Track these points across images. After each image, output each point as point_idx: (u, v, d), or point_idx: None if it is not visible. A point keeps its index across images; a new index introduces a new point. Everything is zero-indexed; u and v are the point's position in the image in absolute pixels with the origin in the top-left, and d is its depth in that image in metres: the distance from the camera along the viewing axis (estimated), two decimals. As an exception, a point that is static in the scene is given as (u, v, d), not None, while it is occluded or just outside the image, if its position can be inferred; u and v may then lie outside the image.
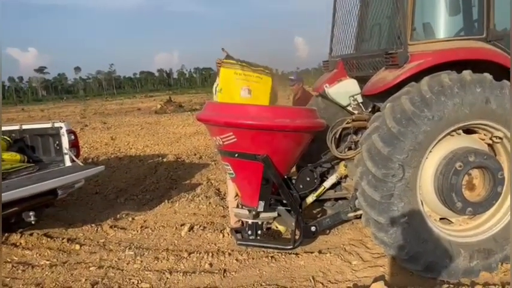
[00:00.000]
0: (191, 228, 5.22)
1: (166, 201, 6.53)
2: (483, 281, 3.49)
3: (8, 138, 5.25)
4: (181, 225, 5.39)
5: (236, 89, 4.11)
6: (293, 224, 3.97)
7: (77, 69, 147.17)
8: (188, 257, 4.42)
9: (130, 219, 5.82)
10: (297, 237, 3.97)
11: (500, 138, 3.53)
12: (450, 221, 3.75)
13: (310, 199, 4.19)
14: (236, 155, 3.77)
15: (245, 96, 4.11)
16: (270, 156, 3.68)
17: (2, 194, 4.13)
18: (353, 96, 4.48)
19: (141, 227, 5.49)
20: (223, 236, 4.92)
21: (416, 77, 3.49)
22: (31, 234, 5.32)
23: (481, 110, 3.36)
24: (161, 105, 29.22)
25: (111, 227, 5.50)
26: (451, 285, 3.40)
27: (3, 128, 5.63)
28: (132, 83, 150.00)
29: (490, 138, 3.60)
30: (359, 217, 4.04)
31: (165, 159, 10.06)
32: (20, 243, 5.14)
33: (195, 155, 10.41)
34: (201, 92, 68.45)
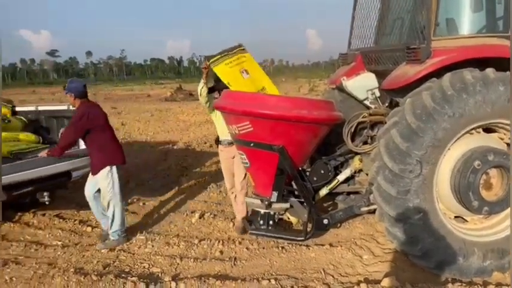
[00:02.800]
0: (202, 216, 5.25)
1: (176, 187, 6.58)
2: (495, 281, 3.47)
3: (24, 119, 5.29)
4: (192, 212, 5.43)
5: (237, 75, 4.21)
6: (305, 216, 3.96)
7: (89, 53, 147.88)
8: (199, 244, 4.45)
9: (141, 204, 5.86)
10: (308, 229, 3.97)
11: (520, 138, 3.49)
12: (465, 220, 3.72)
13: (323, 192, 4.19)
14: (252, 145, 3.77)
15: (247, 77, 4.23)
16: (286, 147, 3.67)
17: (18, 173, 4.19)
18: (371, 90, 4.45)
19: (152, 212, 5.54)
20: (234, 224, 4.93)
21: (437, 73, 3.45)
22: (43, 215, 5.40)
23: (503, 109, 3.31)
24: (171, 92, 29.30)
25: (122, 210, 5.54)
26: (463, 284, 3.39)
27: (20, 109, 5.68)
28: (143, 70, 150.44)
29: (510, 138, 3.56)
30: (372, 212, 4.04)
31: (175, 147, 10.11)
32: (33, 223, 5.21)
33: (205, 143, 10.43)
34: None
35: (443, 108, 3.24)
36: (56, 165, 4.47)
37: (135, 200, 6.00)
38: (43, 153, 4.49)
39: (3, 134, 5.05)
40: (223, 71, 4.18)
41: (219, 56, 4.20)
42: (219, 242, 4.47)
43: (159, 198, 6.07)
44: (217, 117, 4.51)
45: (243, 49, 4.44)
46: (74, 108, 5.26)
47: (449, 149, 3.40)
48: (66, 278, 3.70)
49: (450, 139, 3.32)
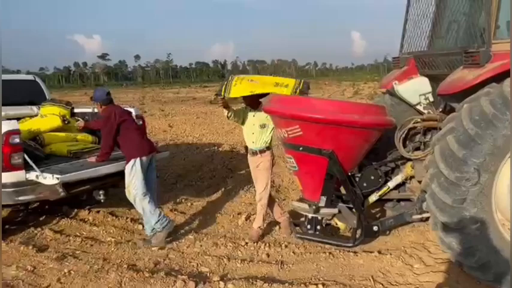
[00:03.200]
0: (248, 218, 5.31)
1: (223, 189, 6.69)
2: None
3: (82, 120, 5.56)
4: (238, 214, 5.50)
5: (251, 84, 4.38)
6: (354, 222, 3.92)
7: (137, 57, 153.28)
8: (246, 246, 4.50)
9: (189, 204, 6.00)
10: (357, 235, 3.92)
11: None
12: (526, 232, 3.53)
13: (373, 198, 4.12)
14: (300, 149, 3.77)
15: (257, 82, 4.43)
16: (335, 152, 3.65)
17: (78, 172, 4.42)
18: (424, 94, 4.33)
19: (200, 212, 5.66)
20: (279, 227, 4.95)
21: (497, 78, 3.31)
22: (98, 212, 5.66)
23: None
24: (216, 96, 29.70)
25: (171, 210, 5.71)
26: (523, 299, 3.21)
27: (78, 110, 5.98)
28: (188, 73, 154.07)
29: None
30: (424, 220, 3.93)
31: (220, 149, 10.26)
32: (88, 220, 5.48)
33: (249, 146, 10.50)
34: (254, 84, 68.81)
35: (504, 115, 3.10)
36: (112, 165, 4.67)
37: (183, 200, 6.16)
38: (92, 159, 4.73)
39: (63, 134, 5.35)
40: (238, 90, 4.35)
41: (224, 86, 4.40)
42: (265, 244, 4.51)
43: (206, 199, 6.20)
44: (245, 127, 4.71)
45: (233, 74, 4.67)
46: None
47: (510, 157, 3.24)
48: (120, 273, 3.85)
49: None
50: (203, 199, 6.18)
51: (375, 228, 3.90)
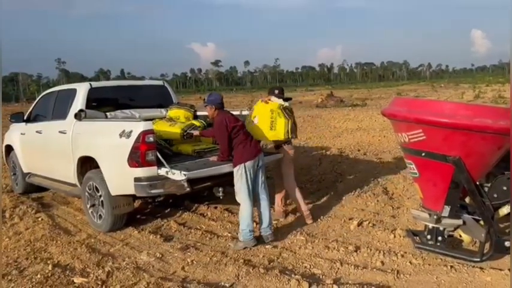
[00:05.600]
0: (360, 224, 5.20)
1: (332, 193, 6.65)
2: None
3: (204, 122, 5.99)
4: (350, 219, 5.41)
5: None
6: (482, 235, 3.61)
7: (246, 63, 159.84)
8: (358, 252, 4.42)
9: (299, 205, 6.07)
10: (485, 250, 3.61)
11: None
12: None
13: (504, 211, 3.75)
14: (423, 154, 3.61)
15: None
16: (463, 159, 3.42)
17: (202, 170, 4.78)
18: None
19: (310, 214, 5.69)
20: (395, 236, 4.76)
21: None
22: (215, 208, 6.05)
23: None
24: (322, 99, 29.64)
25: (282, 211, 5.84)
26: None
27: (200, 113, 6.46)
28: (294, 77, 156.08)
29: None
30: None
31: (328, 152, 10.20)
32: (207, 214, 5.89)
33: (358, 150, 10.29)
34: (360, 88, 67.19)
35: None
36: (230, 164, 4.95)
37: (293, 202, 6.24)
38: (213, 158, 5.05)
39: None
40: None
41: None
42: (379, 252, 4.37)
43: (315, 202, 6.22)
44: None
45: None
46: (239, 113, 5.78)
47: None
48: (237, 267, 4.07)
49: None
50: (312, 202, 6.21)
51: (507, 243, 3.55)
